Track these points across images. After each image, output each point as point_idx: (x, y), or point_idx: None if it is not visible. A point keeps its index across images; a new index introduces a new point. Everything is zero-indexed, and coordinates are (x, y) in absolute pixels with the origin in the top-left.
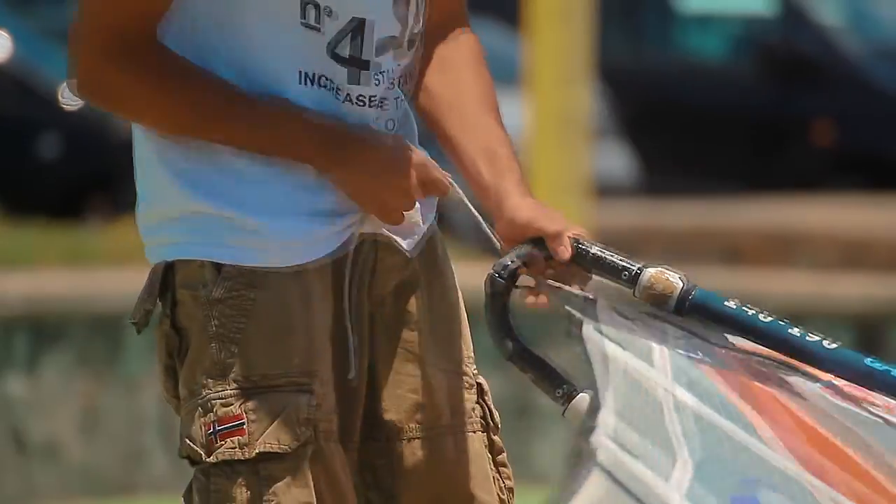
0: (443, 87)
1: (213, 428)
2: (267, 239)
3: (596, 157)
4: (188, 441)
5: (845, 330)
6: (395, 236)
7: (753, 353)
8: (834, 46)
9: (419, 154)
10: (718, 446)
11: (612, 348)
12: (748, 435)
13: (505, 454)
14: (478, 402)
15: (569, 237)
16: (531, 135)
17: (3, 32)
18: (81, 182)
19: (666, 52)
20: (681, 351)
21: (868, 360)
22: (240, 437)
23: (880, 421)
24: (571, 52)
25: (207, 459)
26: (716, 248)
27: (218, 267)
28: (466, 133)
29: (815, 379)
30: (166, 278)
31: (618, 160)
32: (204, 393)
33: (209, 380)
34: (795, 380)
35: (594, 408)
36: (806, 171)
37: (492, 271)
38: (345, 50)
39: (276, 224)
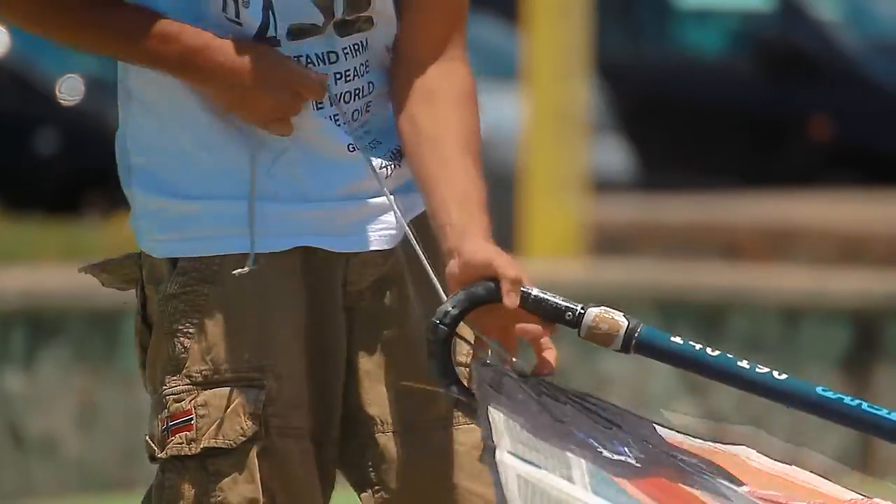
0: (427, 122)
1: (167, 424)
2: (215, 226)
3: (593, 153)
4: (147, 437)
5: (843, 325)
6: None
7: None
8: (831, 42)
9: (288, 60)
10: None
11: (527, 470)
12: None
13: None
14: None
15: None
16: (529, 130)
17: (0, 27)
18: (79, 177)
19: (664, 47)
20: (597, 464)
21: (819, 390)
22: (188, 433)
23: None
24: (569, 48)
25: (159, 455)
26: (713, 244)
27: (174, 262)
28: (442, 173)
29: (739, 483)
30: (140, 274)
31: (615, 155)
32: (161, 389)
33: (165, 376)
34: (719, 481)
35: None
36: (803, 166)
37: (433, 319)
38: (272, 32)
39: (223, 208)
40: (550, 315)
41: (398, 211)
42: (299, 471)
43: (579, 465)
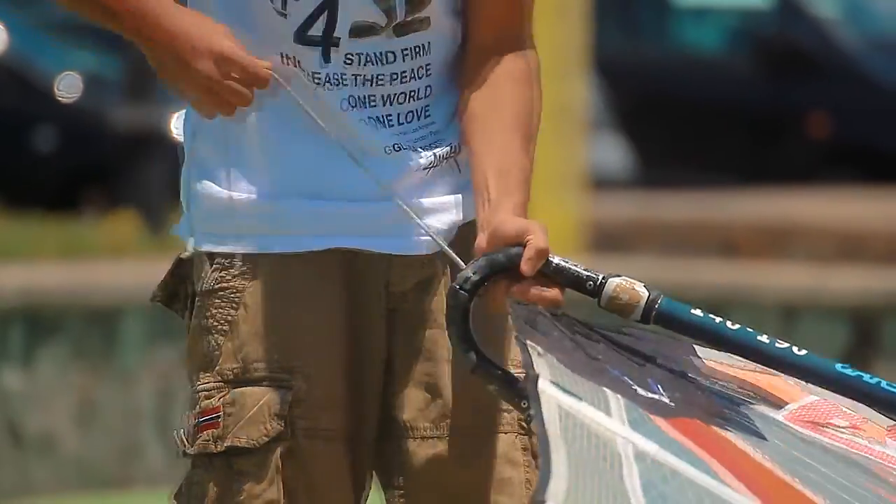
0: (480, 103)
1: (197, 420)
2: (261, 223)
3: (592, 150)
4: (179, 432)
5: (842, 322)
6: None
7: (715, 381)
8: (830, 39)
9: (232, 46)
10: (682, 494)
11: (568, 401)
12: (711, 479)
13: None
14: None
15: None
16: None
17: None
18: (77, 175)
19: (662, 44)
20: (633, 401)
21: (839, 367)
22: (215, 430)
23: (840, 450)
24: (567, 45)
25: (187, 451)
26: (712, 241)
27: (212, 258)
28: (485, 150)
29: (782, 404)
30: (180, 265)
31: (614, 153)
32: (195, 385)
33: (199, 372)
34: (757, 411)
35: (544, 478)
36: (802, 163)
37: (454, 284)
38: (318, 30)
39: (274, 206)
40: (571, 283)
41: (416, 219)
42: (325, 473)
43: (616, 400)
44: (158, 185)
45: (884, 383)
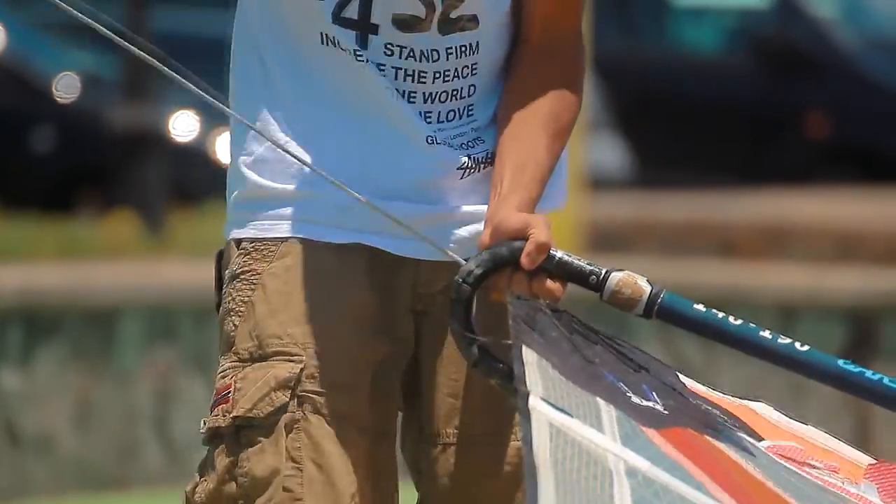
0: (514, 101)
1: (213, 400)
2: (292, 210)
3: (590, 150)
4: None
5: (839, 323)
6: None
7: (702, 401)
8: (828, 39)
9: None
10: None
11: (559, 419)
12: (703, 495)
13: None
14: None
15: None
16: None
17: None
18: (75, 175)
19: (660, 44)
20: (626, 412)
21: (841, 363)
22: (224, 406)
23: (819, 484)
24: None
25: (201, 431)
26: (710, 241)
27: (239, 245)
28: (508, 147)
29: (759, 438)
30: (220, 265)
31: (612, 153)
32: (219, 368)
33: (222, 357)
34: (741, 436)
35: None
36: (800, 163)
37: (457, 277)
38: (353, 13)
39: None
40: (574, 278)
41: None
42: (338, 455)
43: (609, 413)
44: (156, 185)
45: (886, 379)
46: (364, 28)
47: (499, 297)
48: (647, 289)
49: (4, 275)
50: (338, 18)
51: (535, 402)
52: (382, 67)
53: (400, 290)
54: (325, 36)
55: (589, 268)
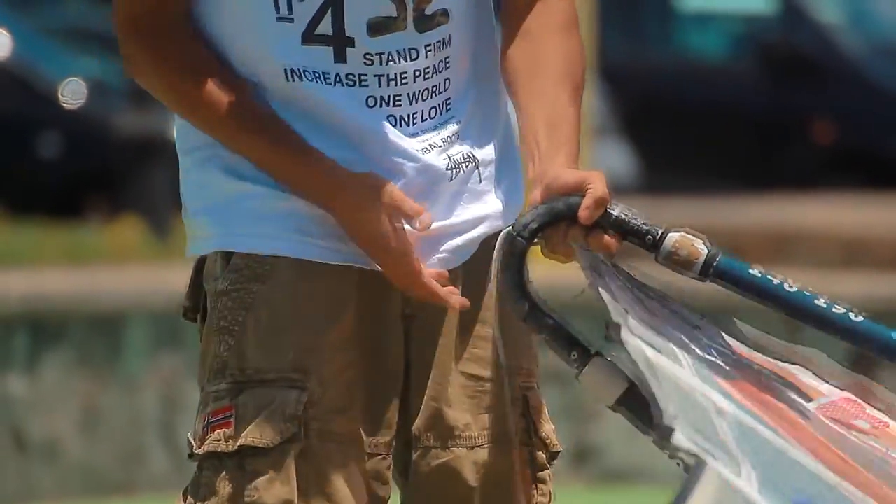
0: (522, 59)
1: (207, 420)
2: (275, 226)
3: (596, 156)
4: (189, 435)
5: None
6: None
7: (752, 362)
8: (834, 45)
9: (377, 189)
10: (763, 452)
11: (651, 352)
12: (783, 441)
13: (548, 471)
14: (521, 416)
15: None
16: None
17: (2, 30)
18: (81, 180)
19: (666, 50)
20: (697, 360)
21: (895, 334)
22: (226, 430)
23: (866, 446)
24: None
25: (197, 451)
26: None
27: (227, 259)
28: (533, 105)
29: (808, 398)
30: (201, 271)
31: (618, 158)
32: (206, 387)
33: (211, 373)
34: (793, 396)
35: (662, 419)
36: (806, 169)
37: (511, 230)
38: (326, 29)
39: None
40: (631, 235)
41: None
42: (339, 475)
43: (684, 357)
44: (162, 191)
45: None
46: (340, 41)
47: (552, 252)
48: (704, 251)
49: (11, 280)
50: (310, 38)
51: (626, 336)
52: (364, 78)
53: (389, 298)
54: (288, 71)
55: (646, 227)
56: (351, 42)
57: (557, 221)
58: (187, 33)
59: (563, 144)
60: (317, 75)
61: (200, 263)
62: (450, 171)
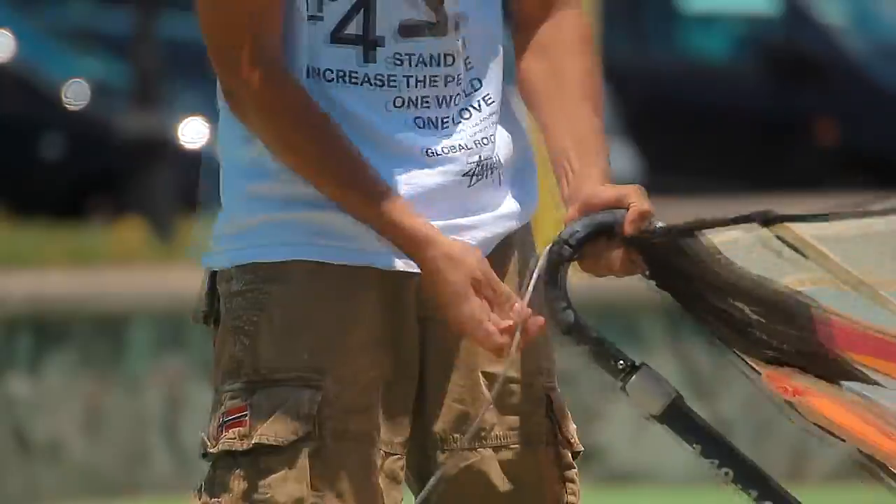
0: (540, 75)
1: (221, 420)
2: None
3: None
4: (202, 434)
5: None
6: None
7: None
8: (838, 46)
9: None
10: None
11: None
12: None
13: (575, 470)
14: (546, 416)
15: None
16: (534, 136)
17: (6, 32)
18: (84, 182)
19: (670, 52)
20: None
21: None
22: (241, 429)
23: None
24: None
25: (211, 450)
26: None
27: (242, 265)
28: (558, 123)
29: None
30: (214, 276)
31: (622, 159)
32: (220, 387)
33: (226, 373)
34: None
35: None
36: (810, 170)
37: (559, 239)
38: (355, 29)
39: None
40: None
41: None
42: (353, 475)
43: None
44: (165, 192)
45: None
46: (368, 42)
47: (591, 265)
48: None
49: (14, 281)
50: (338, 37)
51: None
52: (393, 79)
53: (407, 300)
54: (310, 69)
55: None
56: (380, 42)
57: (599, 235)
58: (288, 75)
59: (595, 161)
60: (341, 74)
61: (211, 274)
62: (473, 174)
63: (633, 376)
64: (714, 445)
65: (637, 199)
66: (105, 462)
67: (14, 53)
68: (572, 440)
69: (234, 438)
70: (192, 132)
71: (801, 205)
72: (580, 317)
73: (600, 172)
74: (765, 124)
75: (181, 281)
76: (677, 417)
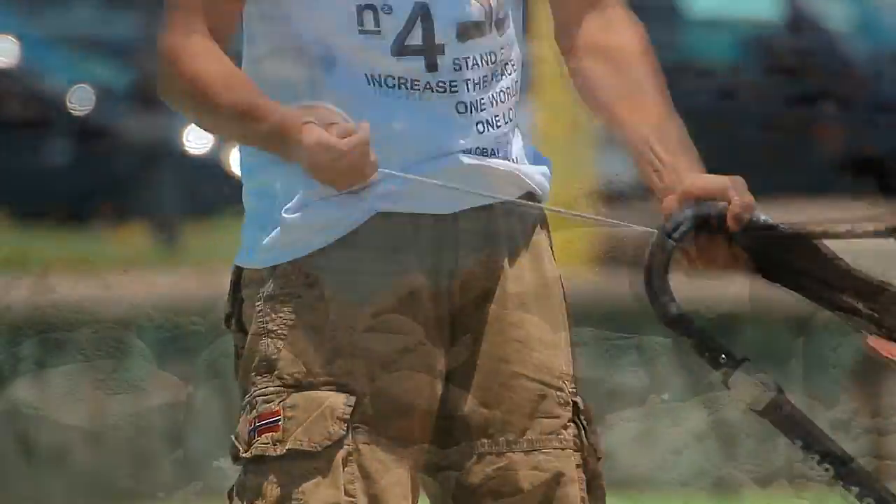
0: (607, 75)
1: (254, 424)
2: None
3: (603, 163)
4: (233, 438)
5: (858, 336)
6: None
7: None
8: (841, 51)
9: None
10: None
11: None
12: None
13: (601, 478)
14: (571, 421)
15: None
16: (538, 139)
17: (10, 37)
18: (89, 187)
19: (672, 56)
20: None
21: None
22: (274, 434)
23: None
24: None
25: (243, 455)
26: None
27: (274, 265)
28: (637, 117)
29: None
30: (238, 280)
31: (625, 165)
32: (252, 390)
33: (257, 377)
34: None
35: None
36: (813, 176)
37: (663, 229)
38: (417, 39)
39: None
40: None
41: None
42: (386, 479)
43: None
44: (170, 197)
45: None
46: (431, 51)
47: (693, 260)
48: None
49: (18, 287)
50: (402, 50)
51: None
52: (454, 84)
53: (439, 303)
54: (370, 77)
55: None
56: (441, 49)
57: (706, 225)
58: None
59: (684, 151)
60: (403, 82)
61: (238, 272)
62: (502, 165)
63: (736, 371)
64: (816, 441)
65: (739, 191)
66: (109, 468)
67: (18, 59)
68: (596, 448)
69: (268, 444)
70: (197, 137)
71: (804, 210)
72: (681, 308)
73: (691, 161)
74: (768, 129)
75: (186, 286)
76: (779, 412)
